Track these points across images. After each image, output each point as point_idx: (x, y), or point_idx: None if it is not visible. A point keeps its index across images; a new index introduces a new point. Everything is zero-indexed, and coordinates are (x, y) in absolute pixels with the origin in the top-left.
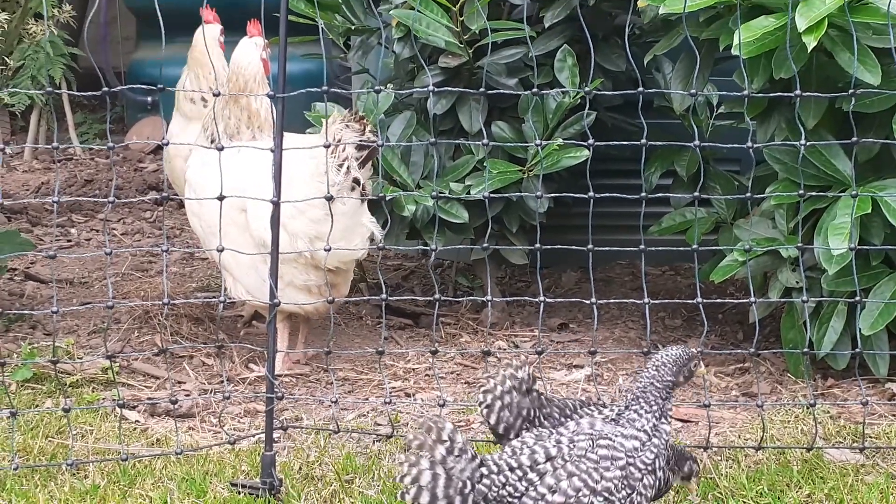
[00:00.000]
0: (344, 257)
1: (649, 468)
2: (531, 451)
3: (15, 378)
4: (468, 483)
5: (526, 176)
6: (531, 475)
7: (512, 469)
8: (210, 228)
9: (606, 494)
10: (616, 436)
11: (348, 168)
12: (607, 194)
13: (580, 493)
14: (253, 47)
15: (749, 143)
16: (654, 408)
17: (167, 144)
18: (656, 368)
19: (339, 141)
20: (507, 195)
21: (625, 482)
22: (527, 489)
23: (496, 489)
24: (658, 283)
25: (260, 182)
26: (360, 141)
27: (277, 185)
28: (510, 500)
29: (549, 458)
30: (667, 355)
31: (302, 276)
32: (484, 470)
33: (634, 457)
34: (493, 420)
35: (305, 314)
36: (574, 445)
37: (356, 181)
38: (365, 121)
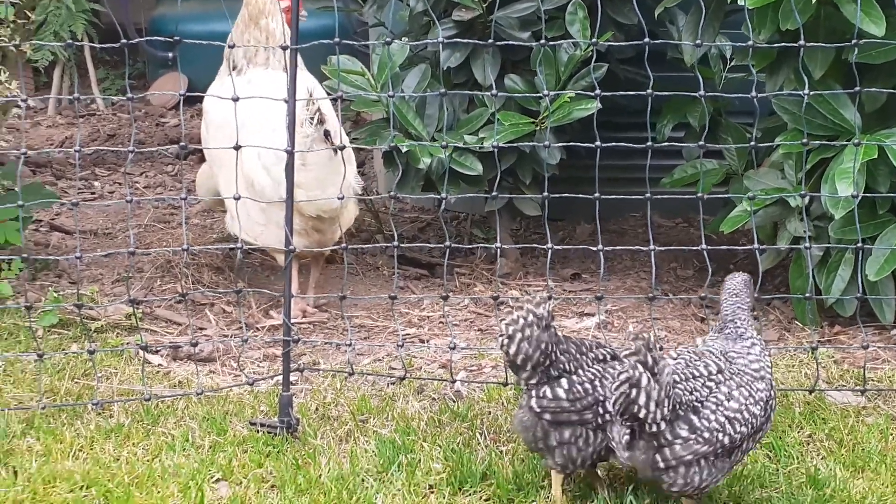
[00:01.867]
0: (323, 206)
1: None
2: (705, 363)
3: (42, 323)
4: (670, 388)
5: (538, 128)
6: (709, 383)
7: (695, 377)
8: (214, 159)
9: (762, 404)
10: (753, 352)
11: (320, 120)
12: (614, 144)
13: (748, 401)
14: None
15: (753, 94)
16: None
17: (183, 95)
18: (736, 294)
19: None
20: (519, 146)
21: (770, 390)
22: (707, 396)
23: (686, 394)
24: (671, 235)
25: (258, 125)
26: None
27: (291, 135)
28: (695, 403)
29: (719, 371)
30: (739, 281)
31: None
32: (676, 377)
33: (769, 370)
34: (512, 350)
35: (298, 254)
36: (732, 362)
37: (327, 133)
38: None
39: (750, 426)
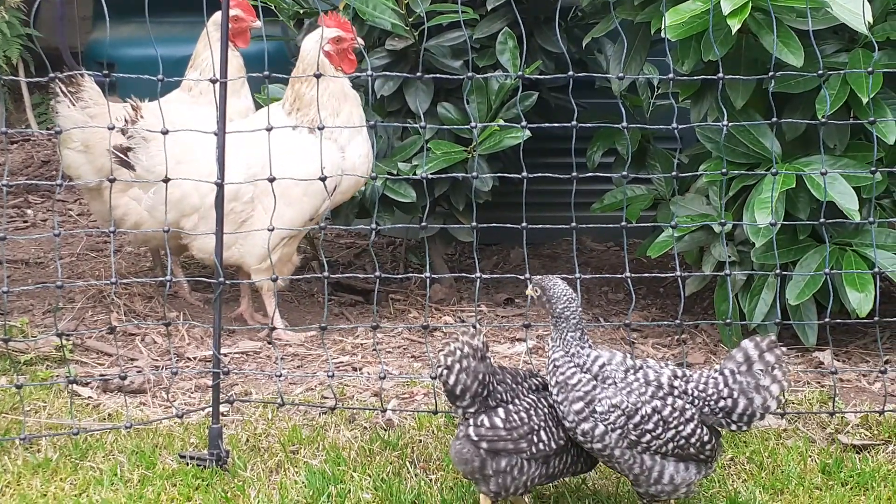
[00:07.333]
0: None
1: None
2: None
3: None
4: None
5: (471, 156)
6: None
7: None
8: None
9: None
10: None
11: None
12: (541, 175)
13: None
14: (314, 38)
15: (674, 124)
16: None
17: (112, 129)
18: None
19: None
20: (451, 175)
21: None
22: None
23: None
24: (602, 259)
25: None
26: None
27: (221, 167)
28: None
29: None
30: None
31: None
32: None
33: None
34: (451, 381)
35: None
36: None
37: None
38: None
39: None
